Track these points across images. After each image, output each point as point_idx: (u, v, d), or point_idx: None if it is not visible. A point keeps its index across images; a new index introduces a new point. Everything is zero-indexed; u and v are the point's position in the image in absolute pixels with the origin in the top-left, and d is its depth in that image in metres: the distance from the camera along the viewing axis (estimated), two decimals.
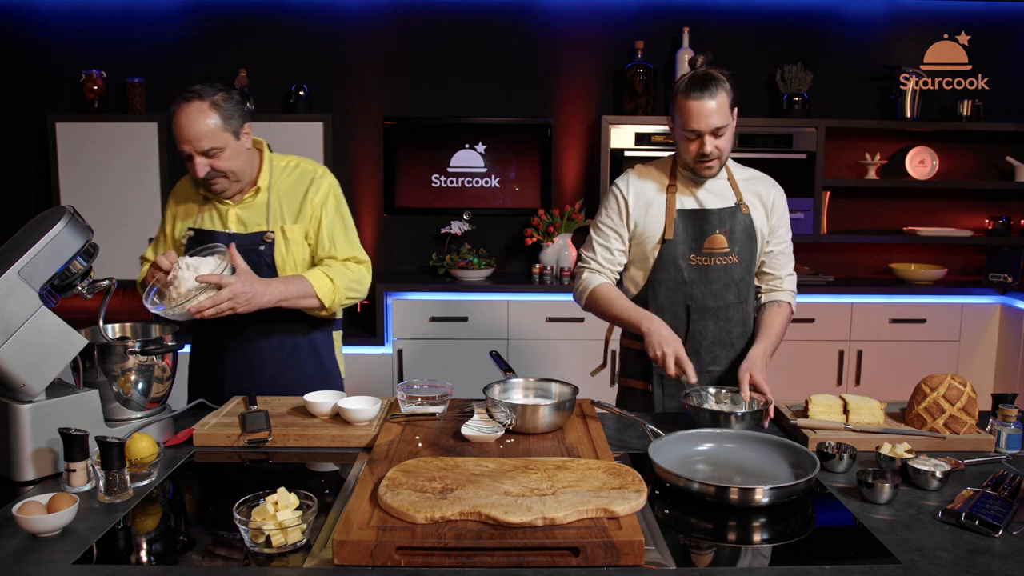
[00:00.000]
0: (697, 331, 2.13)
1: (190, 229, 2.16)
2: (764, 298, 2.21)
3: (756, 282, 2.22)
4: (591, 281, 2.16)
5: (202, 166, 2.01)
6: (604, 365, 2.38)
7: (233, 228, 2.15)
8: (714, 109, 1.96)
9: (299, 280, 2.08)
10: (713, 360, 2.15)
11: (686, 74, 2.01)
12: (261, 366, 2.20)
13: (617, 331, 2.36)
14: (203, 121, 1.98)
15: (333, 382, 2.28)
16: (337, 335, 2.36)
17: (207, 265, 1.93)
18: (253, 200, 2.15)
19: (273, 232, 2.14)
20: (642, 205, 2.13)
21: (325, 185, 2.18)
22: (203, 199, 2.17)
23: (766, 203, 2.15)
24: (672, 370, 1.92)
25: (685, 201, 2.12)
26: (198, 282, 1.88)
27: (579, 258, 2.24)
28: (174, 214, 2.22)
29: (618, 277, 2.21)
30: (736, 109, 2.04)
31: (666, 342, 1.94)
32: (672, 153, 2.18)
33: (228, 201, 2.14)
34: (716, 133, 1.99)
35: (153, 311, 1.92)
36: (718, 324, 2.14)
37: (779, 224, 2.18)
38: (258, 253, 2.12)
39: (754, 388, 1.93)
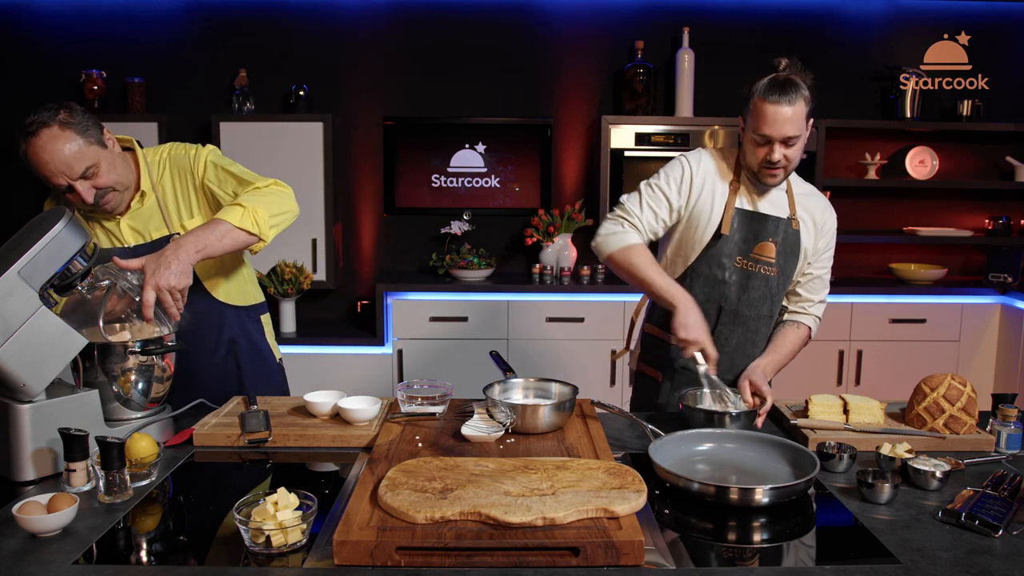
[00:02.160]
0: (723, 334, 2.09)
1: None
2: (786, 316, 2.17)
3: (784, 301, 2.17)
4: (628, 237, 2.03)
5: (87, 191, 1.86)
6: (628, 348, 2.34)
7: (131, 241, 2.01)
8: (789, 117, 1.89)
9: (209, 223, 1.87)
10: (731, 367, 2.11)
11: (767, 76, 1.94)
12: (200, 372, 2.12)
13: (642, 315, 2.32)
14: (64, 146, 1.81)
15: (274, 377, 2.26)
16: (266, 319, 2.28)
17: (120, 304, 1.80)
18: (141, 206, 2.01)
19: (179, 233, 2.02)
20: (707, 190, 2.05)
21: (201, 160, 2.04)
22: (84, 218, 1.99)
23: (818, 223, 2.10)
24: (699, 357, 1.89)
25: (743, 201, 2.07)
26: (148, 320, 1.75)
27: (618, 207, 2.10)
28: None
29: (651, 243, 2.11)
30: (811, 120, 1.97)
31: (693, 329, 1.88)
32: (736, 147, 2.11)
33: (115, 216, 2.00)
34: (787, 142, 1.92)
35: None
36: (745, 334, 2.10)
37: (825, 249, 2.13)
38: None
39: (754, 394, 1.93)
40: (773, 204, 2.08)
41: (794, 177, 2.13)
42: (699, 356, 1.91)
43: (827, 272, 2.17)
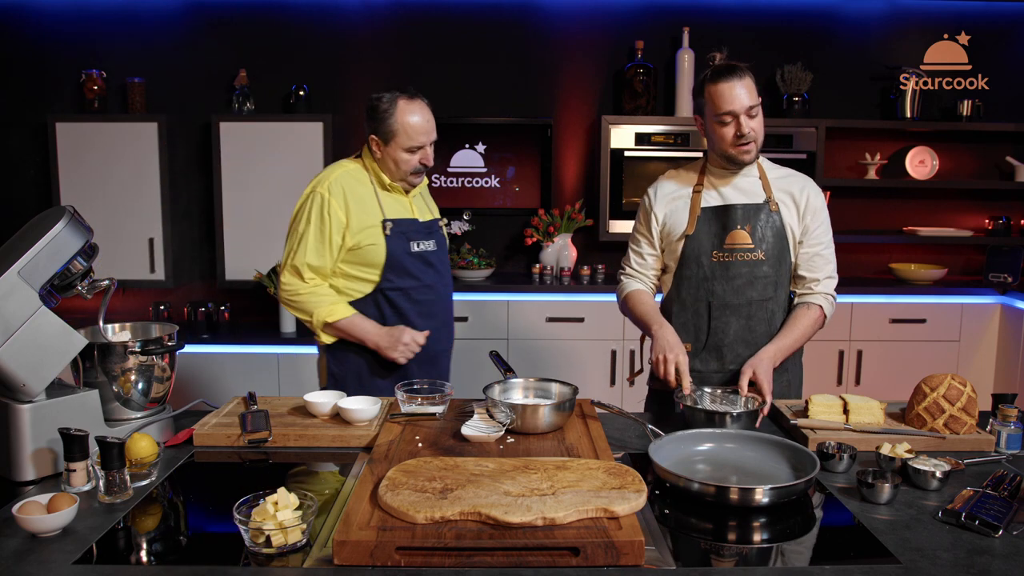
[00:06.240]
0: (719, 328, 2.13)
1: (388, 220, 2.24)
2: (796, 300, 2.18)
3: (792, 286, 2.19)
4: (626, 286, 2.25)
5: (432, 154, 2.25)
6: (641, 370, 2.38)
7: (420, 216, 2.34)
8: (743, 89, 2.01)
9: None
10: (735, 358, 2.13)
11: (707, 69, 2.07)
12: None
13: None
14: (432, 116, 2.25)
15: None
16: None
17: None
18: (417, 191, 2.36)
19: (441, 219, 2.44)
20: (667, 204, 2.18)
21: None
22: (379, 192, 2.27)
23: (798, 202, 2.13)
24: (671, 376, 1.94)
25: (710, 199, 2.14)
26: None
27: (620, 265, 2.33)
28: (344, 216, 2.19)
29: (655, 281, 2.26)
30: (760, 99, 2.08)
31: (669, 348, 1.98)
32: (699, 155, 2.20)
33: (405, 192, 2.32)
34: (750, 113, 2.02)
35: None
36: (740, 322, 2.12)
37: (814, 225, 2.14)
38: (441, 236, 2.40)
39: (753, 387, 1.93)
40: (744, 192, 2.13)
41: (767, 163, 2.19)
42: (676, 378, 1.95)
43: (825, 247, 2.17)
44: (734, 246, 2.10)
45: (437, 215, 2.44)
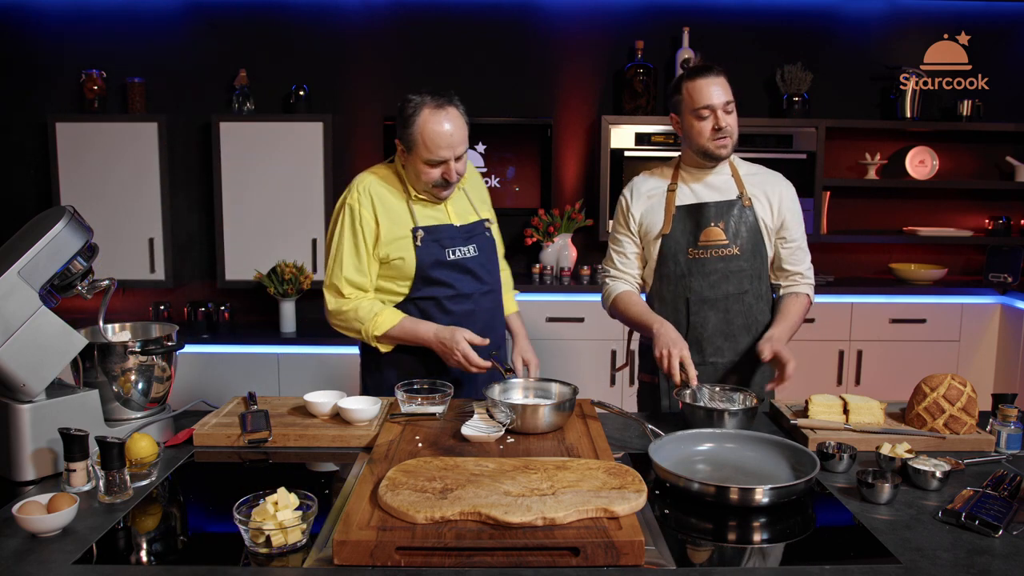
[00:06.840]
0: (697, 322, 2.17)
1: (419, 229, 2.10)
2: (783, 291, 2.24)
3: (774, 279, 2.25)
4: (613, 289, 2.27)
5: (460, 169, 2.06)
6: (627, 364, 2.53)
7: (456, 221, 2.18)
8: (719, 85, 2.09)
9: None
10: (716, 351, 2.18)
11: (684, 70, 2.14)
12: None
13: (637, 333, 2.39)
14: (463, 127, 2.04)
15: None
16: None
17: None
18: (456, 193, 2.20)
19: (488, 220, 2.27)
20: (644, 203, 2.23)
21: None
22: (407, 198, 2.13)
23: (771, 197, 2.19)
24: (676, 371, 1.95)
25: (685, 197, 2.20)
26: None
27: (602, 268, 2.35)
28: (375, 224, 2.09)
29: (640, 280, 2.29)
30: (734, 99, 2.14)
31: (672, 343, 2.00)
32: (675, 155, 2.24)
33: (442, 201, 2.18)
34: (726, 108, 2.09)
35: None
36: (718, 315, 2.17)
37: (791, 220, 2.21)
38: (486, 239, 2.23)
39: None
40: (717, 190, 2.19)
41: (738, 161, 2.25)
42: (678, 372, 1.96)
43: (802, 240, 2.25)
44: (708, 243, 2.15)
45: (484, 215, 2.26)
